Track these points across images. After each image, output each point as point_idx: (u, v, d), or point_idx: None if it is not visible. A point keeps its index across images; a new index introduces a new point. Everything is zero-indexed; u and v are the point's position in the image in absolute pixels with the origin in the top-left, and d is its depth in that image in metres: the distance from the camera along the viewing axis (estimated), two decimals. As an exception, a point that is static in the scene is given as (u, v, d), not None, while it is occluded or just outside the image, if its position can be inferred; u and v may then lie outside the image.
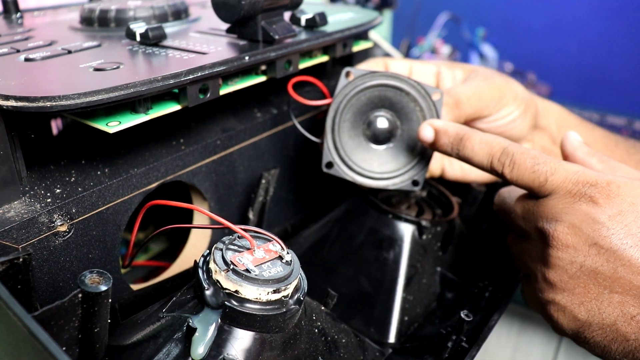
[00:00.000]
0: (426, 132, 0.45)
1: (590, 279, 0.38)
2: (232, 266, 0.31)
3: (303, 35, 0.48)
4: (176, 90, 0.40)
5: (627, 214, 0.37)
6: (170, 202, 0.36)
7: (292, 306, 0.32)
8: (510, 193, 0.45)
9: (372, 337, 0.44)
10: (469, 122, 0.53)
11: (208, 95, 0.41)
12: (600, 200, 0.37)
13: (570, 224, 0.38)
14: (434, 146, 0.45)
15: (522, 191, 0.44)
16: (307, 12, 0.51)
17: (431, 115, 0.47)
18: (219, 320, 0.30)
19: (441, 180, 0.58)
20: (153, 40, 0.44)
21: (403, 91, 0.47)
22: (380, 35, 0.86)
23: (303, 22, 0.50)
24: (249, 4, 0.42)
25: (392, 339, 0.45)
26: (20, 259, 0.30)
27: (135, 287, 0.44)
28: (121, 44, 0.45)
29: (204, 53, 0.42)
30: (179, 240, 0.58)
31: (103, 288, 0.27)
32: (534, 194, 0.42)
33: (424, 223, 0.47)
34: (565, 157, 0.45)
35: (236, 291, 0.31)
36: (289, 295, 0.32)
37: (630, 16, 1.27)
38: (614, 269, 0.37)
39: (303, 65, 0.50)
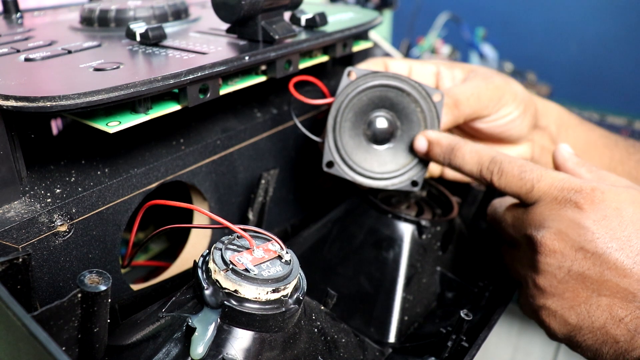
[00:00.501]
0: (420, 143, 0.47)
1: (578, 283, 0.38)
2: (231, 266, 0.31)
3: (303, 35, 0.48)
4: (176, 90, 0.40)
5: (612, 219, 0.37)
6: (170, 202, 0.36)
7: (292, 306, 0.32)
8: (502, 203, 0.47)
9: (372, 337, 0.44)
10: (468, 122, 0.53)
11: (208, 95, 0.41)
12: (585, 206, 0.38)
13: (556, 230, 0.39)
14: (427, 156, 0.47)
15: (512, 201, 0.45)
16: (307, 12, 0.51)
17: (431, 116, 0.47)
18: (219, 320, 0.30)
19: (441, 180, 0.58)
20: (153, 40, 0.44)
21: (404, 92, 0.47)
22: (380, 35, 0.86)
23: (303, 22, 0.50)
24: (249, 4, 0.42)
25: (392, 338, 0.45)
26: (20, 259, 0.30)
27: (135, 287, 0.44)
28: (121, 44, 0.45)
29: (204, 53, 0.42)
30: (179, 240, 0.58)
31: (102, 288, 0.27)
32: (521, 202, 0.43)
33: (423, 223, 0.47)
34: (556, 167, 0.46)
35: (235, 291, 0.31)
36: (288, 294, 0.32)
37: (630, 16, 1.27)
38: (601, 272, 0.37)
39: (303, 65, 0.50)
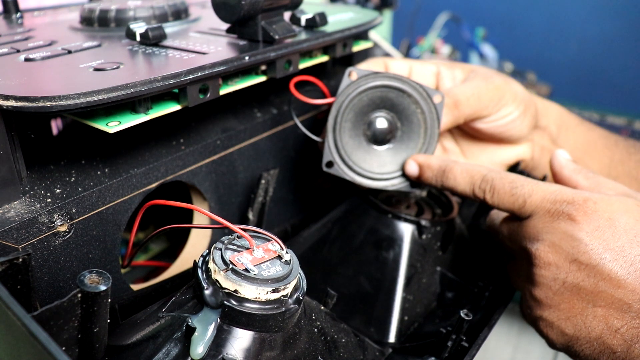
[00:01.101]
0: (411, 168, 0.47)
1: (573, 294, 0.38)
2: (231, 266, 0.31)
3: (303, 35, 0.48)
4: (176, 90, 0.40)
5: (605, 230, 0.37)
6: (170, 202, 0.36)
7: (292, 306, 0.32)
8: (499, 215, 0.47)
9: (372, 337, 0.44)
10: (468, 122, 0.53)
11: (208, 95, 0.41)
12: (578, 218, 0.38)
13: (550, 243, 0.39)
14: (419, 179, 0.48)
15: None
16: (307, 12, 0.51)
17: (432, 117, 0.47)
18: (218, 320, 0.30)
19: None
20: (153, 40, 0.44)
21: (405, 93, 0.47)
22: (380, 35, 0.86)
23: (303, 22, 0.50)
24: (249, 4, 0.42)
25: (392, 338, 0.45)
26: (20, 259, 0.30)
27: (135, 287, 0.44)
28: (121, 44, 0.45)
29: (204, 53, 0.42)
30: (179, 240, 0.58)
31: (102, 288, 0.27)
32: (515, 216, 0.43)
33: (423, 223, 0.47)
34: (554, 174, 0.46)
35: (235, 291, 0.31)
36: (288, 294, 0.32)
37: (630, 16, 1.27)
38: (595, 283, 0.37)
39: (303, 65, 0.50)
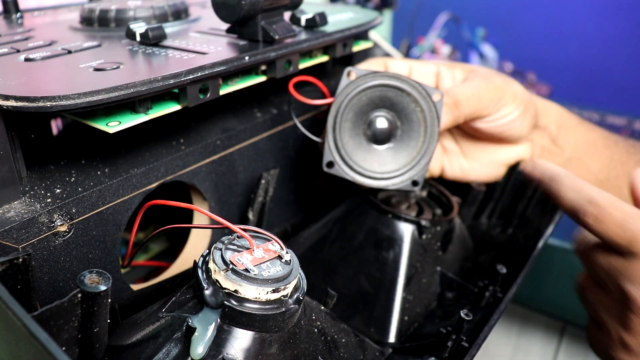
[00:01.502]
0: (529, 167, 0.46)
1: None
2: (231, 266, 0.31)
3: (303, 35, 0.48)
4: (176, 90, 0.40)
5: None
6: (170, 202, 0.36)
7: (292, 306, 0.32)
8: (593, 238, 0.43)
9: (372, 337, 0.44)
10: (468, 122, 0.53)
11: (208, 95, 0.41)
12: None
13: None
14: (528, 174, 0.46)
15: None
16: (307, 12, 0.51)
17: (431, 116, 0.47)
18: (219, 320, 0.30)
19: (441, 180, 0.58)
20: (153, 40, 0.44)
21: (404, 92, 0.47)
22: (380, 35, 0.86)
23: (303, 22, 0.50)
24: (249, 4, 0.42)
25: (392, 338, 0.45)
26: (20, 259, 0.30)
27: (135, 287, 0.44)
28: (121, 44, 0.45)
29: (204, 53, 0.42)
30: (179, 240, 0.58)
31: (102, 288, 0.27)
32: (619, 251, 0.39)
33: (423, 223, 0.47)
34: (635, 199, 0.43)
35: (235, 291, 0.31)
36: (288, 294, 0.32)
37: (630, 16, 1.27)
38: None
39: (303, 65, 0.50)
